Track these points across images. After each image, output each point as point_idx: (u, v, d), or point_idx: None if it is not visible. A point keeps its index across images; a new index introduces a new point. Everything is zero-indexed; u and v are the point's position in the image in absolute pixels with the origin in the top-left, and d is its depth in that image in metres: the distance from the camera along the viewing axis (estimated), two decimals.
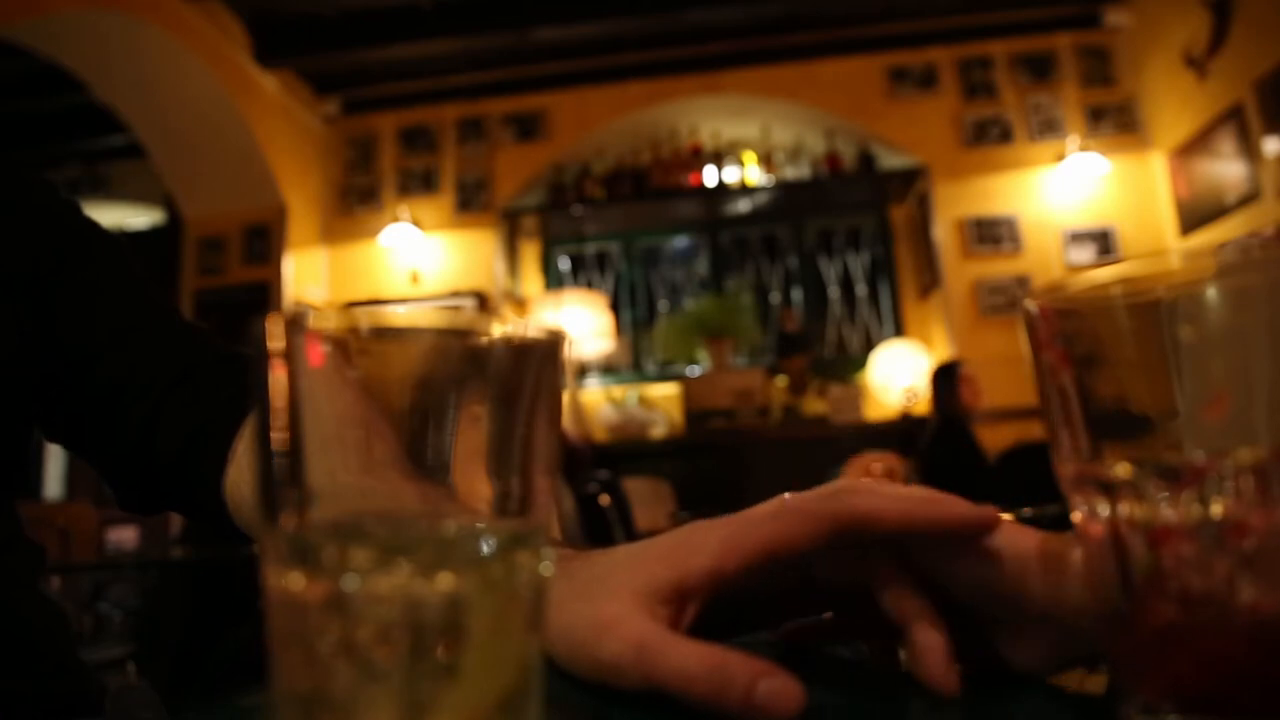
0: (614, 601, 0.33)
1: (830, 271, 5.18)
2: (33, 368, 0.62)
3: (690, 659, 0.30)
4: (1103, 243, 4.34)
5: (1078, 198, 4.40)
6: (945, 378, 3.50)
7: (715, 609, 0.35)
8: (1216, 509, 0.24)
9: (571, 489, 2.95)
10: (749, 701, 0.28)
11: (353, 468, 0.23)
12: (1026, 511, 2.32)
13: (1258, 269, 0.25)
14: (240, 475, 0.61)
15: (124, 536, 4.12)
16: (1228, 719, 0.24)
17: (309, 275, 4.77)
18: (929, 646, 0.33)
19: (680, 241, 5.39)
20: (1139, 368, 0.26)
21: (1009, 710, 0.32)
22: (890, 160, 4.74)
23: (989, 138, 4.55)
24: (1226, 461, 0.24)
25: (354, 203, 4.93)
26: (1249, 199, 3.63)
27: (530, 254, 5.28)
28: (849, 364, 4.85)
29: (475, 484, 0.23)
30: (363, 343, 0.22)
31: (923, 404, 4.11)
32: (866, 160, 4.73)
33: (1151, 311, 0.25)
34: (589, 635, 0.33)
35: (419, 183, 4.90)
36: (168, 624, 2.41)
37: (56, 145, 5.17)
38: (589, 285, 5.23)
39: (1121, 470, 0.26)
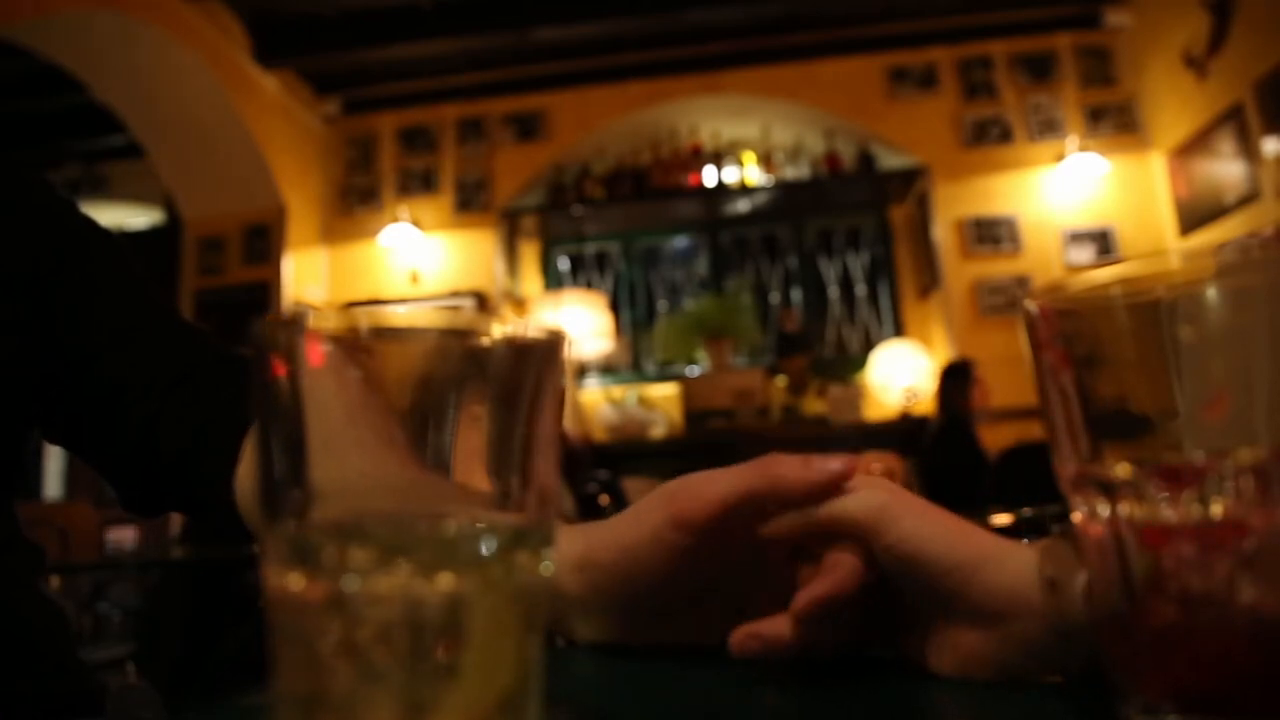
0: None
1: (830, 271, 5.18)
2: (32, 368, 0.62)
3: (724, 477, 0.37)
4: (1103, 243, 4.34)
5: (1077, 198, 4.40)
6: (956, 377, 3.48)
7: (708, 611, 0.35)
8: (1217, 509, 0.24)
9: (571, 489, 2.95)
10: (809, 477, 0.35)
11: (369, 448, 0.23)
12: (1026, 511, 2.32)
13: (1258, 269, 0.25)
14: (249, 473, 0.61)
15: (124, 536, 4.12)
16: (1228, 719, 0.24)
17: (309, 275, 4.77)
18: (811, 589, 0.34)
19: (680, 241, 5.39)
20: (1139, 368, 0.26)
21: (1009, 711, 0.32)
22: (890, 160, 4.74)
23: (989, 138, 4.55)
24: (1226, 462, 0.24)
25: (354, 203, 4.93)
26: (1249, 199, 3.63)
27: (530, 254, 5.28)
28: (849, 364, 4.85)
29: (475, 484, 0.23)
30: (363, 343, 0.22)
31: (923, 404, 4.11)
32: (866, 160, 4.73)
33: (1151, 311, 0.25)
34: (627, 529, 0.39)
35: (419, 183, 4.90)
36: (168, 624, 2.41)
37: (56, 145, 5.17)
38: (589, 285, 5.22)
39: (1121, 470, 0.26)
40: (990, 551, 0.34)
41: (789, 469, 0.35)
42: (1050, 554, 0.33)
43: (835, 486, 0.35)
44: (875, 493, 0.36)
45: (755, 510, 0.36)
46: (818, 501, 0.35)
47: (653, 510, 0.38)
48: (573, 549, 0.39)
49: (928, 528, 0.35)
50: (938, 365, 3.85)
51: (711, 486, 0.36)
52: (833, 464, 0.35)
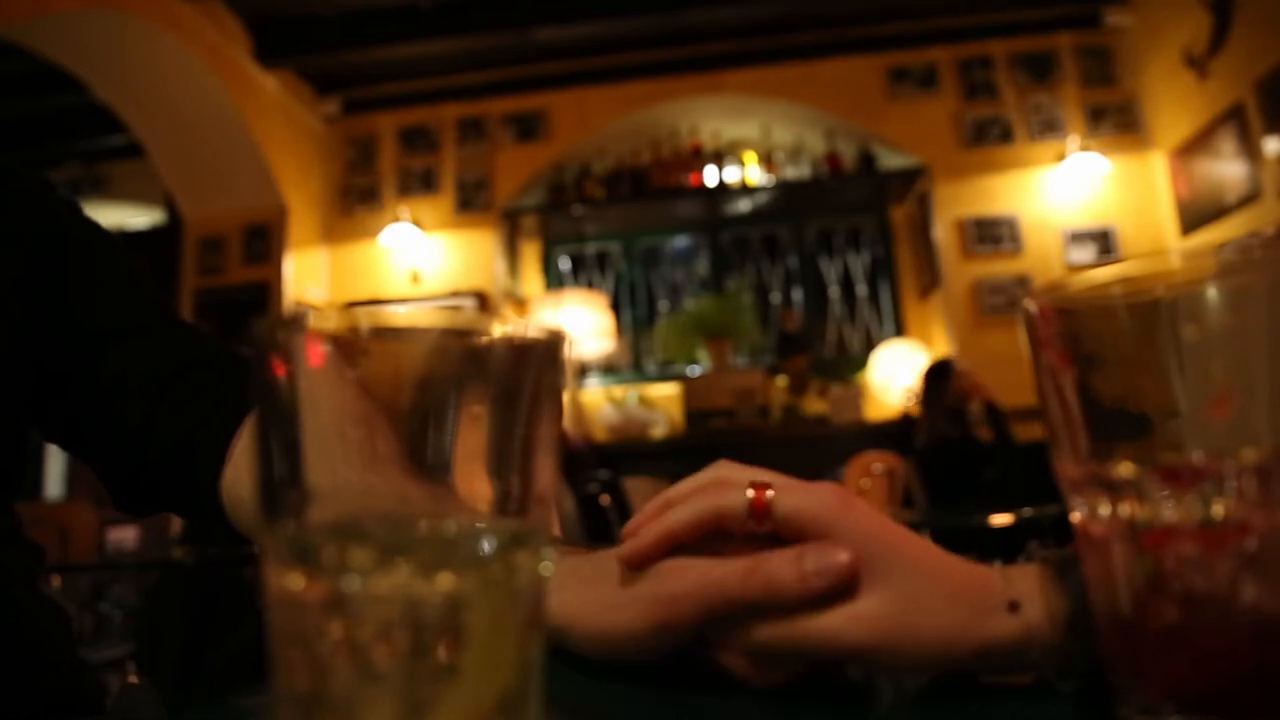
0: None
1: (830, 271, 5.18)
2: (30, 364, 0.62)
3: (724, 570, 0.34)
4: (1103, 243, 4.34)
5: (1078, 198, 4.40)
6: (936, 378, 3.48)
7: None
8: (1218, 509, 0.24)
9: (571, 489, 2.95)
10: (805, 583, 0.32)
11: (355, 465, 0.23)
12: (1027, 511, 2.32)
13: (1258, 269, 0.25)
14: (237, 475, 0.60)
15: (124, 536, 4.12)
16: (1227, 719, 0.24)
17: (309, 275, 4.77)
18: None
19: (680, 241, 5.39)
20: (1139, 368, 0.26)
21: (1009, 713, 0.32)
22: (890, 160, 4.74)
23: (989, 138, 4.55)
24: (1228, 462, 0.24)
25: (354, 203, 4.93)
26: (1249, 199, 3.63)
27: (530, 254, 5.28)
28: (849, 364, 4.85)
29: (475, 484, 0.23)
30: (363, 343, 0.22)
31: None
32: (867, 160, 4.73)
33: (1151, 311, 0.25)
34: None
35: (419, 183, 4.90)
36: (168, 624, 2.41)
37: (56, 145, 5.17)
38: (589, 285, 5.23)
39: (1123, 470, 0.26)
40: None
41: (785, 574, 0.32)
42: (1014, 578, 0.33)
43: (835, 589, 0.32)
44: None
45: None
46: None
47: (637, 600, 0.36)
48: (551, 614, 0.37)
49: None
50: (928, 366, 3.83)
51: (699, 586, 0.34)
52: (839, 558, 0.32)
